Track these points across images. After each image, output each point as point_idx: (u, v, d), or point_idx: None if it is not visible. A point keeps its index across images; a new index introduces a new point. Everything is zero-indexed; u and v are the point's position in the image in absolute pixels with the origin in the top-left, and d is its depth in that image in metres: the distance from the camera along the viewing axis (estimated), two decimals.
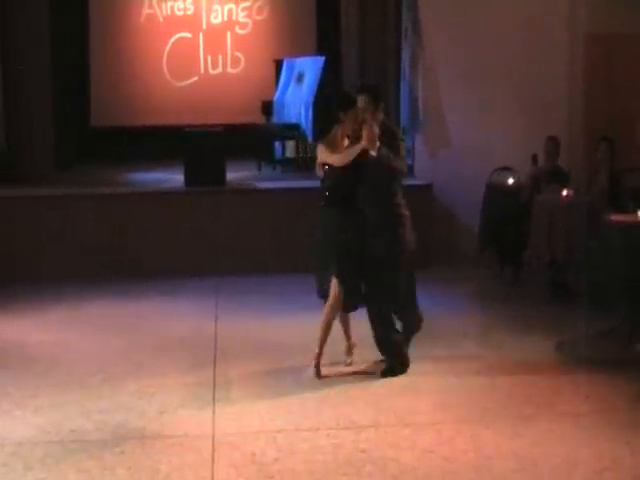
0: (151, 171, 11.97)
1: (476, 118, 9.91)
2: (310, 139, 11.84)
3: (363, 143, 6.02)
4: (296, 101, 12.39)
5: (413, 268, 6.37)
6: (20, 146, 10.91)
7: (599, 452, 4.91)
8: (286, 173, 11.77)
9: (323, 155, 6.23)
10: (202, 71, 15.03)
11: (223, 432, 5.26)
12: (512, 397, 5.80)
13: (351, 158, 6.08)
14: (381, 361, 6.35)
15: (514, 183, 9.15)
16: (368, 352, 6.42)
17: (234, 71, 15.05)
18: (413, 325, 6.49)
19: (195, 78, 14.99)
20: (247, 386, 6.06)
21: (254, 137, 12.46)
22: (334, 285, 6.15)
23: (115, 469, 4.79)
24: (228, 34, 15.05)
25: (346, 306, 6.28)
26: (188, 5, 14.99)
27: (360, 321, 6.41)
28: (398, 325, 6.41)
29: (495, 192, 9.28)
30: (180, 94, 14.83)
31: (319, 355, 6.23)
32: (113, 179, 11.41)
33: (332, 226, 6.16)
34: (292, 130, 12.15)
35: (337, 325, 6.41)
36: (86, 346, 7.09)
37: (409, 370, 6.28)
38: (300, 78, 12.58)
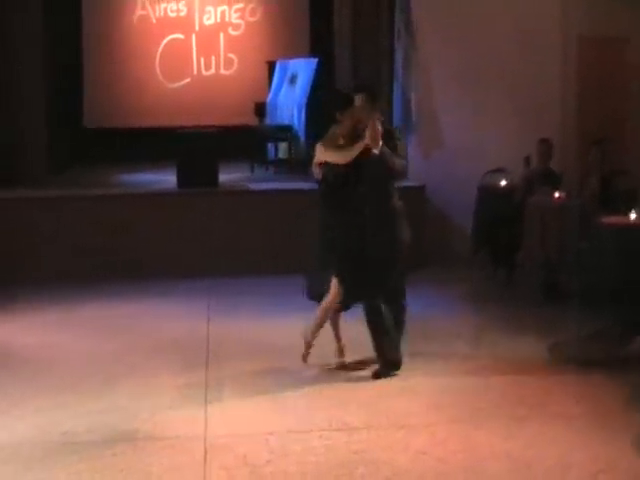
0: (144, 172, 11.96)
1: (469, 120, 9.92)
2: (303, 140, 11.85)
3: (366, 141, 6.04)
4: (289, 103, 12.39)
5: (407, 262, 6.41)
6: (13, 147, 10.88)
7: (593, 454, 4.90)
8: (279, 174, 11.77)
9: (322, 155, 6.22)
10: (195, 72, 15.03)
11: (215, 434, 5.24)
12: (505, 398, 5.80)
13: (354, 156, 6.09)
14: (372, 361, 6.34)
15: (507, 185, 9.16)
16: (358, 353, 6.43)
17: (227, 72, 15.05)
18: (402, 315, 6.50)
19: (188, 79, 14.98)
20: (239, 388, 6.05)
21: (247, 138, 12.45)
22: (334, 285, 6.15)
23: (107, 471, 4.78)
24: (221, 35, 15.05)
25: (342, 305, 6.29)
26: (181, 6, 14.98)
27: (349, 323, 6.43)
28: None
29: (488, 194, 9.28)
30: (173, 95, 14.82)
31: (309, 344, 6.33)
32: (106, 180, 11.40)
33: (332, 226, 6.17)
34: (285, 132, 12.15)
35: (327, 327, 6.42)
36: (79, 348, 7.07)
37: (402, 371, 6.27)
38: (293, 80, 12.58)
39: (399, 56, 10.49)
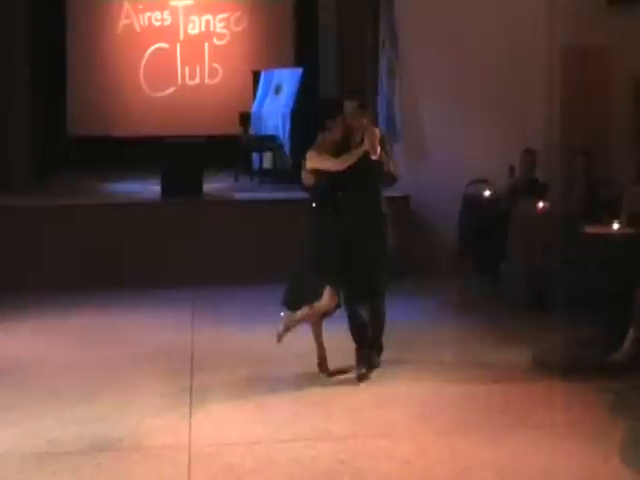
0: (128, 182, 11.93)
1: (453, 130, 9.94)
2: (287, 150, 11.86)
3: (365, 147, 6.06)
4: (274, 112, 12.40)
5: (392, 268, 6.49)
6: None
7: (578, 462, 4.91)
8: (263, 184, 11.77)
9: (315, 161, 6.22)
10: (179, 82, 15.04)
11: (200, 443, 5.22)
12: (490, 407, 5.81)
13: (351, 163, 6.11)
14: (355, 368, 6.38)
15: (491, 194, 9.19)
16: (341, 361, 6.46)
17: (212, 82, 15.06)
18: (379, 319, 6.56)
19: (172, 89, 14.99)
20: (224, 397, 6.03)
21: (231, 148, 12.45)
22: (328, 292, 6.16)
23: None
24: (206, 45, 15.07)
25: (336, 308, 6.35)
26: (165, 16, 14.99)
27: (330, 331, 6.47)
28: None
29: (472, 203, 9.32)
30: (157, 105, 14.82)
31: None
32: (90, 190, 11.36)
33: (325, 232, 6.18)
34: (269, 141, 12.16)
35: (310, 337, 6.43)
36: (64, 357, 7.04)
37: (387, 380, 6.28)
38: (278, 90, 12.59)
39: (383, 66, 10.53)
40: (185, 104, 14.75)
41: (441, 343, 7.30)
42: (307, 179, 6.30)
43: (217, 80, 15.07)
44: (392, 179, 6.39)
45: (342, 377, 6.38)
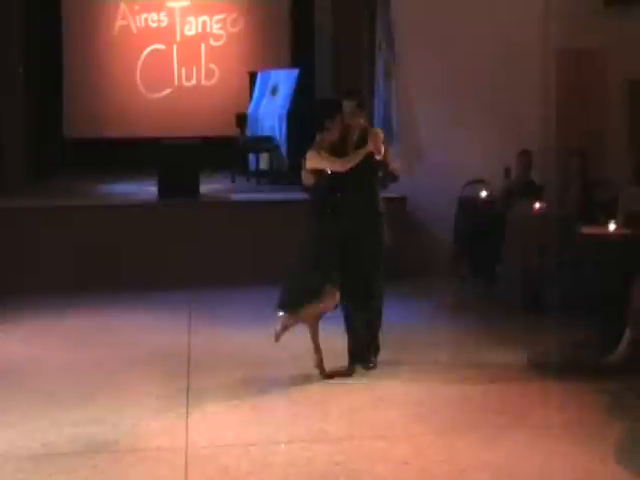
0: (125, 183, 11.92)
1: (449, 131, 9.94)
2: (284, 151, 11.87)
3: (370, 148, 6.09)
4: (270, 114, 12.40)
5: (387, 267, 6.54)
6: None
7: (574, 463, 4.92)
8: (260, 185, 11.77)
9: (314, 161, 6.22)
10: (176, 83, 15.03)
11: (196, 445, 5.22)
12: (486, 408, 5.81)
13: (355, 163, 6.13)
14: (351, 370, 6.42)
15: (487, 196, 9.20)
16: (337, 362, 6.48)
17: (208, 83, 15.05)
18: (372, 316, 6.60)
19: (169, 90, 14.97)
20: (220, 399, 6.02)
21: (228, 149, 12.45)
22: (331, 291, 6.17)
23: None
24: (202, 46, 15.06)
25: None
26: (162, 17, 14.98)
27: (327, 331, 6.48)
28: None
29: (468, 205, 9.32)
30: (154, 106, 14.81)
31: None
32: (86, 191, 11.35)
33: (325, 232, 6.18)
34: (266, 142, 12.16)
35: (307, 339, 6.43)
36: (60, 359, 7.02)
37: (383, 381, 6.28)
38: (274, 91, 12.59)
39: (380, 68, 10.53)
40: (181, 105, 14.75)
41: (437, 344, 7.31)
42: (307, 179, 6.30)
43: (213, 81, 15.07)
44: (394, 178, 6.46)
45: (338, 378, 6.37)
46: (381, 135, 6.23)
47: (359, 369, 6.49)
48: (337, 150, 6.27)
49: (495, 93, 9.72)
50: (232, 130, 13.21)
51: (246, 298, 8.86)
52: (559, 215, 8.27)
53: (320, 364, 6.42)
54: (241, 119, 13.06)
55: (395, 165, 6.41)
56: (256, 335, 7.44)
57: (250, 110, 12.96)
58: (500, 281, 8.75)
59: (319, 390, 6.18)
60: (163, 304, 8.71)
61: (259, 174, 12.07)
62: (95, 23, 14.75)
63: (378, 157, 6.16)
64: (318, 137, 6.31)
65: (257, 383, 6.32)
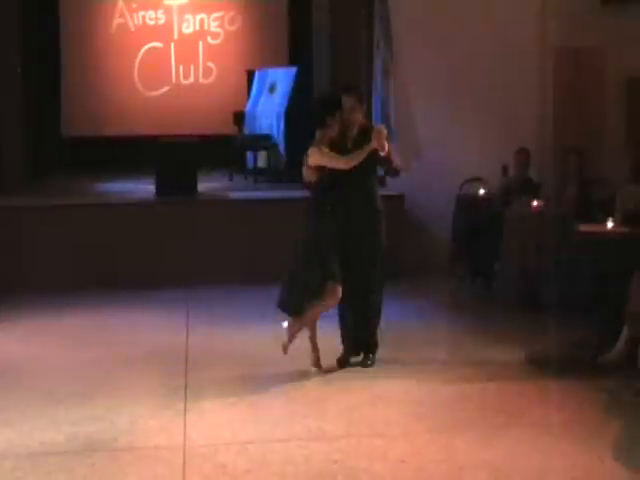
0: (122, 181, 11.91)
1: (447, 129, 9.95)
2: (282, 150, 11.87)
3: (374, 145, 6.10)
4: (268, 112, 12.39)
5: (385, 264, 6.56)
6: None
7: (572, 462, 4.92)
8: (258, 183, 11.77)
9: (316, 158, 6.21)
10: (174, 81, 15.01)
11: (194, 443, 5.22)
12: (484, 407, 5.81)
13: (360, 160, 6.13)
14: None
15: (485, 194, 9.21)
16: (333, 360, 6.49)
17: (206, 81, 15.04)
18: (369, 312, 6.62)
19: (166, 88, 14.96)
20: (218, 397, 6.02)
21: (226, 148, 12.45)
22: (333, 288, 6.17)
23: None
24: (200, 44, 15.04)
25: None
26: (159, 15, 14.96)
27: (324, 329, 6.50)
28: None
29: (466, 203, 9.33)
30: (151, 104, 14.79)
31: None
32: (83, 190, 11.34)
33: (326, 229, 6.18)
34: (264, 141, 12.16)
35: (304, 337, 6.44)
36: (57, 358, 7.02)
37: (381, 380, 6.28)
38: (272, 89, 12.59)
39: (378, 67, 10.54)
40: (179, 103, 14.73)
41: (435, 343, 7.31)
42: (309, 176, 6.29)
43: (211, 79, 15.06)
44: (397, 173, 6.52)
45: (336, 376, 6.38)
46: (384, 132, 6.23)
47: (357, 368, 6.50)
48: (336, 146, 6.27)
49: (493, 91, 9.73)
50: (230, 128, 13.19)
51: (244, 296, 8.86)
52: (557, 213, 8.27)
53: (317, 362, 6.43)
54: (239, 117, 13.05)
55: (398, 161, 6.40)
56: (254, 333, 7.46)
57: (248, 108, 12.96)
58: (498, 279, 8.76)
59: (317, 388, 6.18)
60: (161, 303, 8.71)
61: (257, 172, 12.07)
62: (93, 21, 14.72)
63: (382, 154, 6.16)
64: (318, 134, 6.31)
65: (255, 381, 6.32)
